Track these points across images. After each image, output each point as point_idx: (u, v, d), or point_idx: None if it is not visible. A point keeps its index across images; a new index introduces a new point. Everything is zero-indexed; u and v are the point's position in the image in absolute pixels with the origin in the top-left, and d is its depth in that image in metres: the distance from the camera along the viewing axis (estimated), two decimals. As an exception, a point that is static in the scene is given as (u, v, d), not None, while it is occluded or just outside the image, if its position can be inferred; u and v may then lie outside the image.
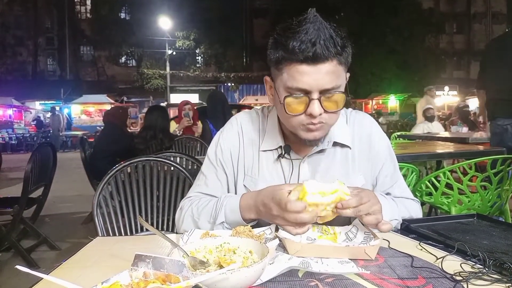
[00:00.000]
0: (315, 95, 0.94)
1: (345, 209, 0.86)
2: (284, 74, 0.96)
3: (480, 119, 4.12)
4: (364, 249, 0.83)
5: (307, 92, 0.94)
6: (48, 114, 21.31)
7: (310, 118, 0.96)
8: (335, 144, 1.12)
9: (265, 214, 0.96)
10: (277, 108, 1.07)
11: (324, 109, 0.95)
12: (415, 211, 1.15)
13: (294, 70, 0.93)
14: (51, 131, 16.12)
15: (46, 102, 22.73)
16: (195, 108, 4.74)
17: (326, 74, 0.92)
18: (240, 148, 1.16)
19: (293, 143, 1.11)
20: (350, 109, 1.21)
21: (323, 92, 0.94)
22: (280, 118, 1.09)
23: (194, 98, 22.51)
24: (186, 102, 4.64)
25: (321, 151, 1.11)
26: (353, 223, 0.97)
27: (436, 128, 6.31)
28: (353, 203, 0.86)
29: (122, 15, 27.21)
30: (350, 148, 1.13)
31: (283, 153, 1.10)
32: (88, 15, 28.06)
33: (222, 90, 24.18)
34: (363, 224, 0.95)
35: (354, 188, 0.93)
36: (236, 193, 1.16)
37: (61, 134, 16.13)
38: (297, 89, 0.94)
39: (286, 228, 0.90)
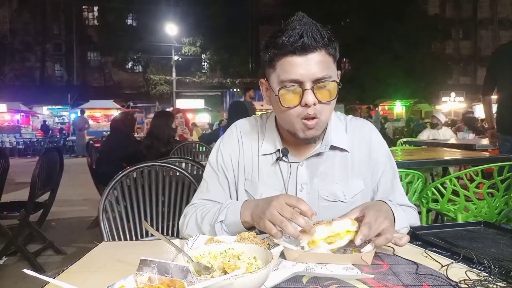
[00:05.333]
0: (308, 85, 0.97)
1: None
2: (277, 69, 1.00)
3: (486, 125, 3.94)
4: (361, 256, 0.84)
5: (300, 84, 0.97)
6: (56, 119, 21.52)
7: (305, 109, 0.99)
8: (334, 148, 1.13)
9: (259, 210, 0.96)
10: (273, 106, 1.10)
11: (318, 99, 0.98)
12: (414, 218, 1.15)
13: (286, 62, 0.98)
14: (68, 134, 16.03)
15: (54, 107, 22.96)
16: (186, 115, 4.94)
17: (316, 64, 0.97)
18: (240, 153, 1.18)
19: (291, 146, 1.13)
20: (350, 116, 1.22)
21: (315, 82, 0.97)
22: (278, 117, 1.12)
23: (200, 103, 22.63)
24: (178, 111, 4.81)
25: (319, 154, 1.12)
26: None
27: (446, 134, 6.24)
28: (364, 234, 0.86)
29: (129, 22, 27.52)
30: (349, 152, 1.14)
31: (281, 156, 1.12)
32: (96, 21, 28.40)
33: (228, 96, 24.28)
34: None
35: (360, 206, 0.95)
36: (237, 198, 1.18)
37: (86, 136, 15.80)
38: (290, 80, 0.98)
39: (271, 222, 0.90)
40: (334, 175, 1.12)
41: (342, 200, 1.10)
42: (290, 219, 0.87)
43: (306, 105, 0.98)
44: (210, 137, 5.42)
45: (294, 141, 1.11)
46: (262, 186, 1.13)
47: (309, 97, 0.97)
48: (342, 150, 1.13)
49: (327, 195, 1.11)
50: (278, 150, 1.13)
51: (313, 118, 1.01)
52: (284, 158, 1.12)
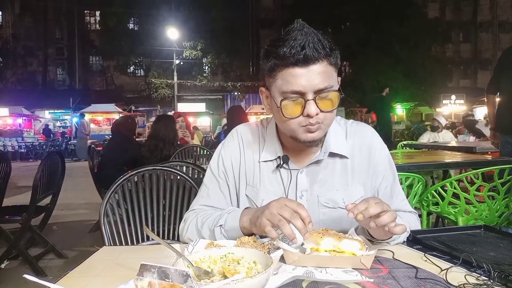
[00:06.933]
0: (310, 96, 0.97)
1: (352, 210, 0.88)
2: (278, 80, 0.99)
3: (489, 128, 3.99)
4: (360, 258, 0.84)
5: (302, 94, 0.97)
6: (58, 123, 21.54)
7: (307, 119, 0.99)
8: (333, 155, 1.13)
9: (258, 212, 0.97)
10: (274, 115, 1.09)
11: (320, 109, 0.98)
12: (414, 223, 1.15)
13: (287, 74, 0.97)
14: (70, 138, 15.95)
15: (56, 111, 23.01)
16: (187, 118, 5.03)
17: (318, 75, 0.96)
18: (241, 159, 1.18)
19: (292, 153, 1.13)
20: (351, 120, 1.22)
21: (317, 92, 0.97)
22: (279, 125, 1.11)
23: (201, 107, 22.65)
24: (179, 115, 4.91)
25: (319, 162, 1.12)
26: (349, 232, 0.97)
27: (446, 137, 6.23)
28: (361, 207, 0.87)
29: (131, 26, 27.57)
30: (348, 158, 1.14)
31: (281, 163, 1.12)
32: (97, 26, 28.51)
33: (229, 100, 24.33)
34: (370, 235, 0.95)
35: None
36: (238, 203, 1.19)
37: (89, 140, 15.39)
38: (292, 91, 0.97)
39: (268, 222, 0.90)
40: (334, 181, 1.13)
41: (341, 207, 1.10)
42: (289, 219, 0.87)
43: (308, 116, 0.98)
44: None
45: (294, 148, 1.11)
46: (263, 192, 1.14)
47: (312, 108, 0.97)
48: (341, 156, 1.13)
49: (326, 202, 1.11)
50: (279, 157, 1.13)
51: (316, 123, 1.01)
52: (284, 165, 1.12)
